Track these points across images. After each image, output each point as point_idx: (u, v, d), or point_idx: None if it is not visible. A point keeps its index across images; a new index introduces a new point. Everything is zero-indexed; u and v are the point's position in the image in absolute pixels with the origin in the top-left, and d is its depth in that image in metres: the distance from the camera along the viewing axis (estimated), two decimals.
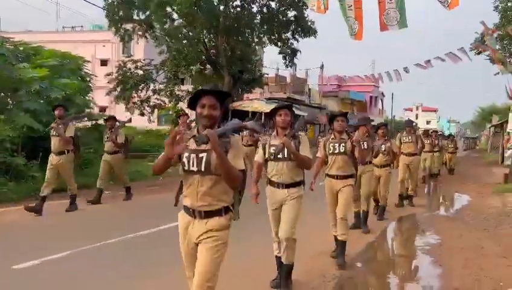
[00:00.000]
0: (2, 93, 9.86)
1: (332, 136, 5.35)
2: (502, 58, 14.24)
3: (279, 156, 4.08)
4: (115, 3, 19.92)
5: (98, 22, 31.07)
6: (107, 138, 8.92)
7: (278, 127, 4.26)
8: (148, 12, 20.12)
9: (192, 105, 2.76)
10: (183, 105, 22.08)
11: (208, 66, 20.67)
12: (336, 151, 5.23)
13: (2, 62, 9.29)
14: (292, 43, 22.93)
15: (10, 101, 9.94)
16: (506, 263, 5.35)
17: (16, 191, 8.53)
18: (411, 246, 6.62)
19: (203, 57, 19.82)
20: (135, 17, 20.53)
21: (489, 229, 7.30)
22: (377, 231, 7.15)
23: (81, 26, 33.22)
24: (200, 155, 2.67)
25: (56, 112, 7.79)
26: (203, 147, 2.63)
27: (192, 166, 2.67)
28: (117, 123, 9.03)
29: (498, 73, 15.10)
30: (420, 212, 9.14)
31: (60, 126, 7.56)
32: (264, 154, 4.23)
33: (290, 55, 23.18)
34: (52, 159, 7.67)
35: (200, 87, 2.76)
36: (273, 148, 4.12)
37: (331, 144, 5.28)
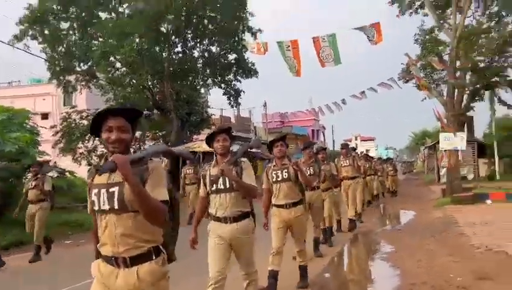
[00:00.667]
0: None
1: (274, 164, 5.04)
2: (426, 84, 15.81)
3: (220, 186, 3.66)
4: (57, 56, 19.93)
5: (35, 76, 30.51)
6: (32, 185, 8.16)
7: (217, 154, 3.87)
8: (90, 63, 20.33)
9: (95, 131, 2.29)
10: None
11: (155, 111, 20.94)
12: (279, 178, 4.93)
13: None
14: (235, 84, 23.83)
15: None
16: (453, 259, 6.06)
17: None
18: (370, 256, 7.20)
19: (150, 102, 20.10)
20: (77, 68, 20.58)
21: (436, 236, 8.08)
22: (334, 250, 7.56)
23: (19, 81, 32.44)
24: (111, 189, 2.16)
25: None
26: (113, 179, 2.15)
27: (103, 204, 2.19)
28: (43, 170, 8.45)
29: (425, 98, 16.69)
30: (372, 229, 9.84)
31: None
32: (205, 187, 3.78)
33: (233, 95, 24.00)
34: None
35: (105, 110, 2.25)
36: (213, 178, 3.70)
37: (274, 172, 4.98)
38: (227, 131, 3.85)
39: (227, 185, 3.63)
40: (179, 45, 21.71)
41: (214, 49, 22.94)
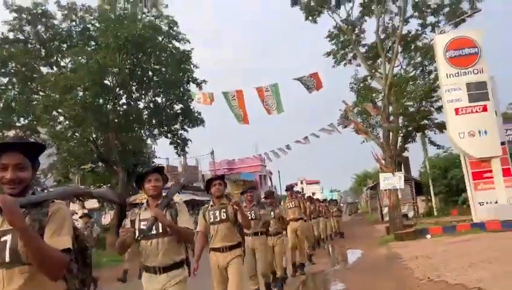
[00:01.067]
0: None
1: (211, 203, 4.71)
2: (364, 129, 16.90)
3: (152, 232, 3.24)
4: None
5: None
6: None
7: (148, 196, 3.54)
8: (30, 118, 19.86)
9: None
10: (75, 206, 21.29)
11: (100, 163, 20.56)
12: (217, 219, 4.58)
13: None
14: (182, 134, 24.03)
15: None
16: None
17: None
18: None
19: (95, 155, 19.76)
20: (17, 123, 19.99)
21: (382, 272, 8.52)
22: None
23: None
24: (3, 239, 1.82)
25: None
26: (6, 225, 1.78)
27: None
28: None
29: (363, 141, 17.74)
30: (323, 269, 10.14)
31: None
32: (134, 233, 3.31)
33: (180, 145, 24.12)
34: None
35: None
36: (144, 223, 3.29)
37: (211, 212, 4.63)
38: (159, 171, 3.56)
39: (160, 230, 3.24)
40: (123, 97, 21.82)
41: (159, 100, 23.22)
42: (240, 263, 4.60)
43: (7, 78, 20.21)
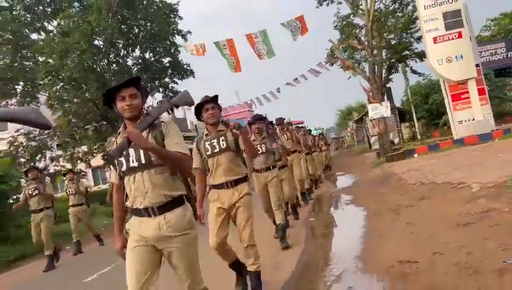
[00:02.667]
0: None
1: (206, 132, 3.86)
2: (350, 65, 18.07)
3: (132, 163, 2.51)
4: None
5: None
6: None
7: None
8: (28, 84, 20.50)
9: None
10: (82, 165, 22.43)
11: (103, 122, 21.46)
12: (216, 149, 3.76)
13: None
14: (173, 87, 24.81)
15: None
16: (399, 194, 8.00)
17: None
18: (335, 205, 8.98)
19: (98, 115, 20.63)
20: (15, 91, 20.60)
21: (380, 184, 10.08)
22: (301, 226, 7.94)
23: None
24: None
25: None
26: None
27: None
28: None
29: (350, 77, 18.96)
30: (327, 190, 11.71)
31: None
32: (116, 169, 2.65)
33: (173, 98, 24.97)
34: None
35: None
36: (114, 152, 2.52)
37: (207, 143, 3.80)
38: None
39: (143, 160, 2.48)
40: (111, 56, 22.33)
41: (147, 55, 23.76)
42: (250, 204, 3.84)
43: None
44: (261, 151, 5.69)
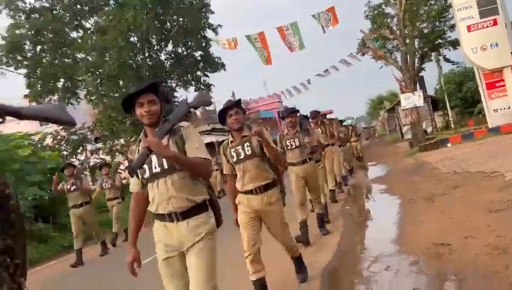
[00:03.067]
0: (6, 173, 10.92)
1: (231, 139, 3.85)
2: (382, 54, 18.10)
3: (154, 170, 2.54)
4: (36, 78, 20.91)
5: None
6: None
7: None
8: (68, 81, 21.51)
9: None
10: (120, 158, 23.35)
11: None
12: (241, 156, 3.76)
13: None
14: (205, 80, 25.40)
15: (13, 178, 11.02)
16: (432, 183, 8.21)
17: (41, 253, 9.74)
18: (369, 193, 9.25)
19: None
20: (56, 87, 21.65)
21: (414, 173, 10.27)
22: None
23: None
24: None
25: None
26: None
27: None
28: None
29: (382, 67, 19.00)
30: (361, 180, 11.95)
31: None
32: (137, 177, 2.64)
33: (204, 91, 25.56)
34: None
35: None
36: (140, 160, 2.54)
37: (232, 150, 3.80)
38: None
39: (165, 166, 2.52)
40: (146, 51, 23.06)
41: (179, 49, 24.39)
42: (280, 211, 3.87)
43: (39, 47, 21.61)
44: (294, 145, 5.67)
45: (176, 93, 24.86)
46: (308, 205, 6.02)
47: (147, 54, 22.90)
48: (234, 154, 3.77)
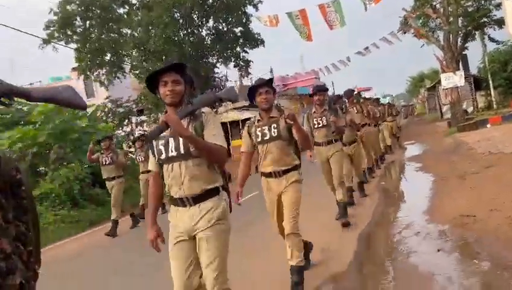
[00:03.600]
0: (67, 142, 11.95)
1: (259, 118, 3.79)
2: (424, 33, 17.97)
3: (170, 153, 2.53)
4: (85, 53, 22.02)
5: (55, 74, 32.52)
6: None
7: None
8: (114, 56, 22.53)
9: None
10: None
11: None
12: (267, 136, 3.68)
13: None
14: (244, 56, 25.83)
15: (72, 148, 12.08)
16: (467, 162, 8.51)
17: (99, 215, 10.71)
18: (404, 172, 9.63)
19: None
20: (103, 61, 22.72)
21: (451, 153, 10.54)
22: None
23: (40, 81, 34.38)
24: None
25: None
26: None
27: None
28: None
29: (423, 45, 18.86)
30: (397, 158, 12.26)
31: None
32: (154, 157, 2.64)
33: (244, 67, 26.07)
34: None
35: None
36: (161, 142, 2.57)
37: (258, 129, 3.73)
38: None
39: (182, 150, 2.51)
40: (187, 27, 23.69)
41: (220, 26, 24.85)
42: (297, 190, 3.71)
43: (88, 22, 22.63)
44: (321, 124, 5.53)
45: (216, 70, 25.55)
46: (343, 183, 5.81)
47: (189, 30, 23.59)
48: (259, 134, 3.72)
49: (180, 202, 2.53)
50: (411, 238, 4.33)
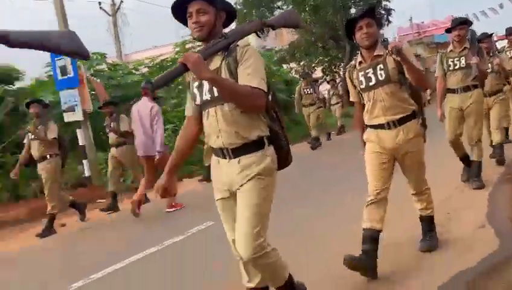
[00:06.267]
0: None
1: (360, 59, 3.11)
2: None
3: (204, 96, 2.23)
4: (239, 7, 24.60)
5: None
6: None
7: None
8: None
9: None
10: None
11: (331, 40, 24.84)
12: (372, 82, 3.04)
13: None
14: (386, 4, 26.23)
15: None
16: None
17: None
18: None
19: (327, 36, 24.17)
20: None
21: None
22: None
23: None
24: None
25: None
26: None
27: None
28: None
29: None
30: None
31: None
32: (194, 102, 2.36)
33: (385, 15, 26.63)
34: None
35: None
36: (196, 84, 2.28)
37: (361, 74, 3.08)
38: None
39: (215, 92, 2.18)
40: None
41: None
42: (419, 151, 3.13)
43: None
44: (458, 66, 4.69)
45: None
46: (479, 143, 4.89)
47: None
48: (363, 79, 3.07)
49: (220, 152, 2.26)
50: None
